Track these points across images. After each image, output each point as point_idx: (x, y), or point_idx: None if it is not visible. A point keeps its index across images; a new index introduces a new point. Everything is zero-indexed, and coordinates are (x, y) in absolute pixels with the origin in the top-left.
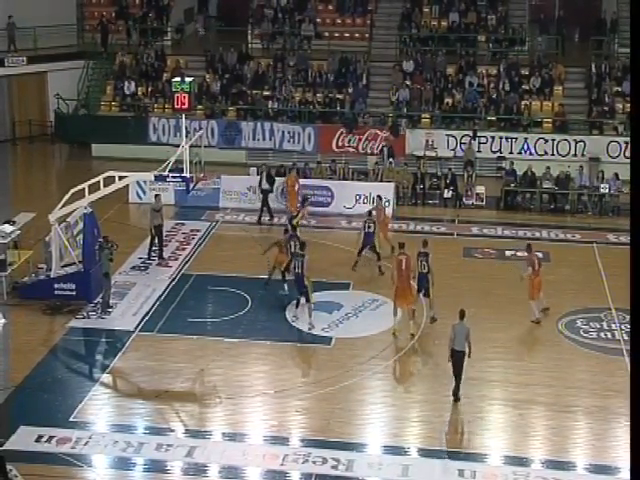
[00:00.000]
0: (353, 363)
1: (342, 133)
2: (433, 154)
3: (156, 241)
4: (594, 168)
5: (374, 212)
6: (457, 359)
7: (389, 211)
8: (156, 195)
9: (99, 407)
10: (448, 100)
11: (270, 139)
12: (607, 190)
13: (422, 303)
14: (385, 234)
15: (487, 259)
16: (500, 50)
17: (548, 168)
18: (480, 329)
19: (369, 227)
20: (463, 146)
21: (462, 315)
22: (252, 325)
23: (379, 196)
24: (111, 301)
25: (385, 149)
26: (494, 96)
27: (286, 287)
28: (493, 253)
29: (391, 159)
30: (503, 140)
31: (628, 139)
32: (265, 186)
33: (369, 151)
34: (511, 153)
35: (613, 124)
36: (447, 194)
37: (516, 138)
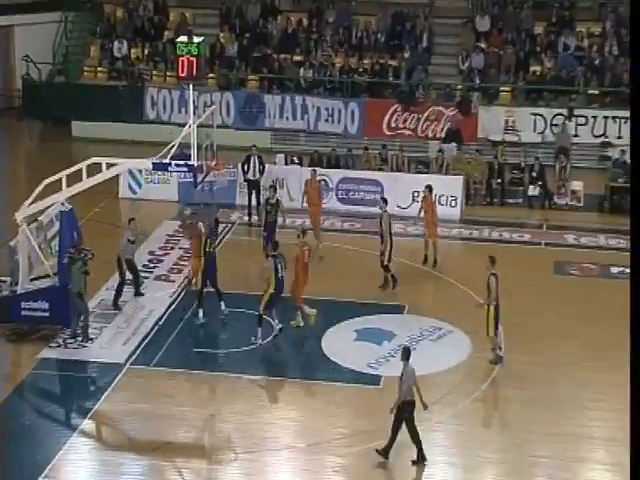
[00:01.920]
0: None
1: (396, 111)
2: (515, 139)
3: (129, 275)
4: None
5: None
6: (405, 412)
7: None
8: (130, 220)
9: (78, 463)
10: (535, 68)
11: (302, 118)
12: None
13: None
14: (433, 237)
15: (586, 277)
16: (606, 1)
17: None
18: (577, 369)
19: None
20: (555, 129)
21: (407, 354)
22: (277, 358)
23: (429, 186)
24: (90, 329)
25: (449, 131)
26: (597, 62)
27: (201, 313)
28: (594, 269)
29: (455, 145)
30: (609, 120)
31: None
32: (253, 175)
33: (431, 134)
34: (620, 137)
35: None
36: (533, 191)
37: (627, 118)
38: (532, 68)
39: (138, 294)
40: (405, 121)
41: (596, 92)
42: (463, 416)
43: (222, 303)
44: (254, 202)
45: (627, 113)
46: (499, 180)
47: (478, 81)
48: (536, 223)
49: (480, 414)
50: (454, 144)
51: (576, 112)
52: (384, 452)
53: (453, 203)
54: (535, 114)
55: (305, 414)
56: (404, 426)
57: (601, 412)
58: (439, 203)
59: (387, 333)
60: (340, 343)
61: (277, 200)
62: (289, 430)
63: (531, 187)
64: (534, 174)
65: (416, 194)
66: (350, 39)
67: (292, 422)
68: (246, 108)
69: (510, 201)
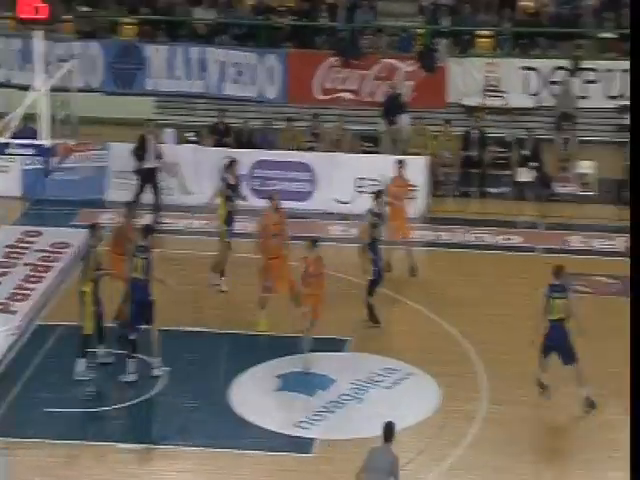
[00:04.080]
0: None
1: (332, 66)
2: (498, 103)
3: None
4: None
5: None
6: None
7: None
8: None
9: None
10: (526, 3)
11: (201, 78)
12: None
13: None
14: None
15: (600, 296)
16: None
17: None
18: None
19: (374, 226)
20: (554, 88)
21: (389, 433)
22: (168, 417)
23: (400, 161)
24: None
25: (390, 98)
26: None
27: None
28: (611, 285)
29: (396, 117)
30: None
31: None
32: (151, 163)
33: (381, 99)
34: None
35: None
36: (524, 176)
37: None
38: (521, 3)
39: None
40: (345, 80)
41: (611, 36)
42: None
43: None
44: (150, 199)
45: None
46: (475, 158)
47: (447, 22)
48: (529, 221)
49: None
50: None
51: (583, 64)
52: None
53: (413, 194)
54: (526, 67)
55: None
56: None
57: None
58: None
59: (322, 379)
60: (256, 394)
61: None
62: None
63: (522, 170)
64: (526, 152)
65: (360, 182)
66: None
67: None
68: (119, 64)
69: (493, 190)
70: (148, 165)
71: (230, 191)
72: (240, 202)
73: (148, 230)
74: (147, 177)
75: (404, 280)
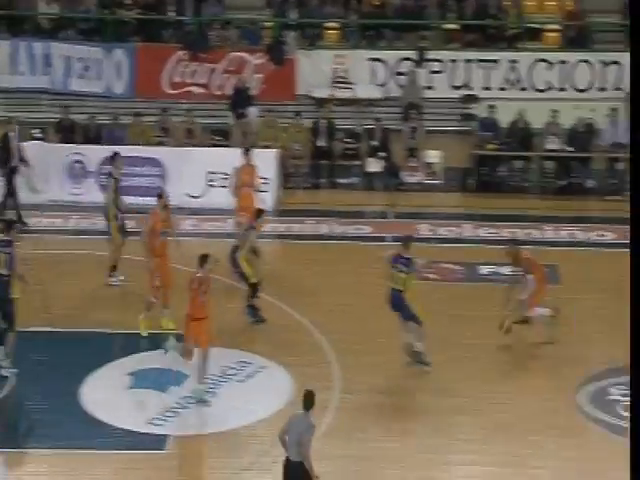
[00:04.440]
0: None
1: (180, 60)
2: (347, 95)
3: None
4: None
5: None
6: (291, 475)
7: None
8: None
9: None
10: None
11: (45, 73)
12: None
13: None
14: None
15: (447, 282)
16: None
17: (555, 114)
18: (439, 404)
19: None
20: (401, 79)
21: (309, 401)
22: (17, 420)
23: (247, 149)
24: None
25: (238, 91)
26: None
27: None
28: (458, 271)
29: (244, 110)
30: (473, 65)
31: None
32: (15, 162)
33: (231, 92)
34: (487, 89)
35: None
36: (373, 165)
37: (496, 61)
38: None
39: None
40: (194, 74)
41: (454, 27)
42: None
43: None
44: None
45: (496, 54)
46: (324, 148)
47: (294, 15)
48: (379, 211)
49: None
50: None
51: (429, 55)
52: None
53: (264, 187)
54: (374, 59)
55: None
56: None
57: (478, 467)
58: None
59: (175, 375)
60: (107, 393)
61: None
62: None
63: (370, 161)
64: (374, 143)
65: (212, 176)
66: None
67: None
68: None
69: (343, 181)
70: (13, 164)
71: (117, 186)
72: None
73: (10, 225)
74: (11, 176)
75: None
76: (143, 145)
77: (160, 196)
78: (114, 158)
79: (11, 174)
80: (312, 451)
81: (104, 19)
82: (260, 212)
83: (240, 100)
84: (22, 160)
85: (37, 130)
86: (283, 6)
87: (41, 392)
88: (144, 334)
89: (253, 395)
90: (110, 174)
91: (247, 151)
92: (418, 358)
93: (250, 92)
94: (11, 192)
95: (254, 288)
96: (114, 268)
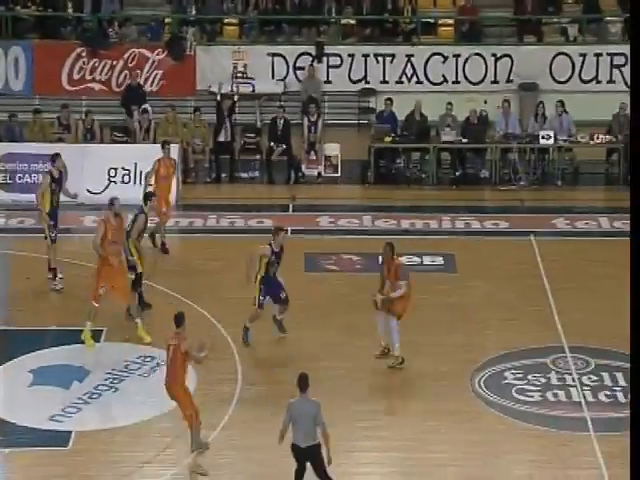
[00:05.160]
0: (109, 477)
1: (80, 56)
2: (247, 90)
3: None
4: (528, 103)
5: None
6: (303, 459)
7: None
8: None
9: None
10: None
11: None
12: (551, 140)
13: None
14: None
15: (347, 272)
16: None
17: (450, 106)
18: (341, 393)
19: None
20: (300, 74)
21: (304, 383)
22: None
23: (166, 142)
24: None
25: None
26: None
27: None
28: (357, 261)
29: (139, 107)
30: (370, 59)
31: (585, 48)
32: None
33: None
34: (385, 82)
35: (559, 24)
36: (275, 157)
37: (393, 55)
38: None
39: None
40: (94, 71)
41: (352, 22)
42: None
43: None
44: None
45: (392, 49)
46: (225, 144)
47: (193, 12)
48: (280, 203)
49: (207, 470)
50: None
51: (327, 50)
52: None
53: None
54: (273, 54)
55: None
56: None
57: (377, 454)
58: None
59: (77, 370)
60: (9, 391)
61: None
62: None
63: (277, 151)
64: (277, 133)
65: (113, 173)
66: None
67: None
68: None
69: (244, 175)
70: None
71: (55, 185)
72: (67, 197)
73: None
74: None
75: (157, 267)
76: (43, 142)
77: (112, 204)
78: (55, 158)
79: None
80: (213, 441)
81: (1, 16)
82: (148, 195)
83: (133, 97)
84: None
85: None
86: (182, 2)
87: None
88: (90, 345)
89: (156, 389)
90: (49, 172)
91: (165, 144)
92: (279, 325)
93: (143, 89)
94: None
95: (139, 277)
96: (54, 270)
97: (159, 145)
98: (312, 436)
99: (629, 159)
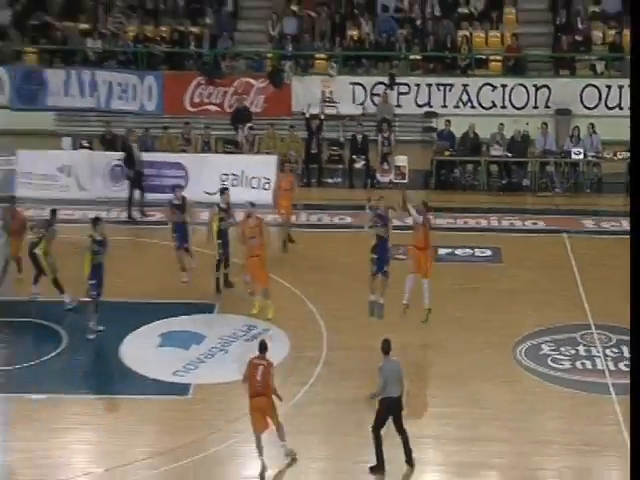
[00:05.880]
0: (222, 421)
1: (199, 84)
2: (332, 111)
3: None
4: (563, 125)
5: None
6: (393, 409)
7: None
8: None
9: None
10: (353, 33)
11: (91, 95)
12: (582, 156)
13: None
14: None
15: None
16: None
17: (501, 126)
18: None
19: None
20: (376, 99)
21: (388, 347)
22: (69, 373)
23: (289, 161)
24: None
25: (238, 111)
26: (419, 24)
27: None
28: None
29: (245, 126)
30: (433, 88)
31: (611, 81)
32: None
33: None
34: (445, 107)
35: (589, 60)
36: (358, 165)
37: (452, 85)
38: (349, 32)
39: None
40: (210, 95)
41: (418, 57)
42: (285, 424)
43: None
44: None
45: (451, 79)
46: (315, 153)
47: (290, 48)
48: (357, 204)
49: (300, 420)
50: (249, 124)
51: (398, 80)
52: (378, 468)
53: (266, 186)
54: (354, 83)
55: (102, 434)
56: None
57: (433, 409)
58: (251, 186)
59: (196, 336)
60: (141, 350)
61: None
62: (83, 455)
63: (358, 161)
64: (359, 146)
65: (225, 177)
66: (144, 3)
67: (87, 445)
68: (24, 85)
69: (329, 181)
70: (137, 168)
71: (223, 213)
72: (231, 222)
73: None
74: (139, 179)
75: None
76: (170, 152)
77: (252, 205)
78: (223, 192)
79: (137, 177)
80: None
81: (138, 52)
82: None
83: (241, 117)
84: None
85: (85, 141)
86: (281, 41)
87: (87, 351)
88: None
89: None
90: (217, 205)
91: (283, 164)
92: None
93: (249, 110)
94: (137, 191)
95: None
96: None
97: (262, 156)
98: (400, 388)
99: (629, 170)
